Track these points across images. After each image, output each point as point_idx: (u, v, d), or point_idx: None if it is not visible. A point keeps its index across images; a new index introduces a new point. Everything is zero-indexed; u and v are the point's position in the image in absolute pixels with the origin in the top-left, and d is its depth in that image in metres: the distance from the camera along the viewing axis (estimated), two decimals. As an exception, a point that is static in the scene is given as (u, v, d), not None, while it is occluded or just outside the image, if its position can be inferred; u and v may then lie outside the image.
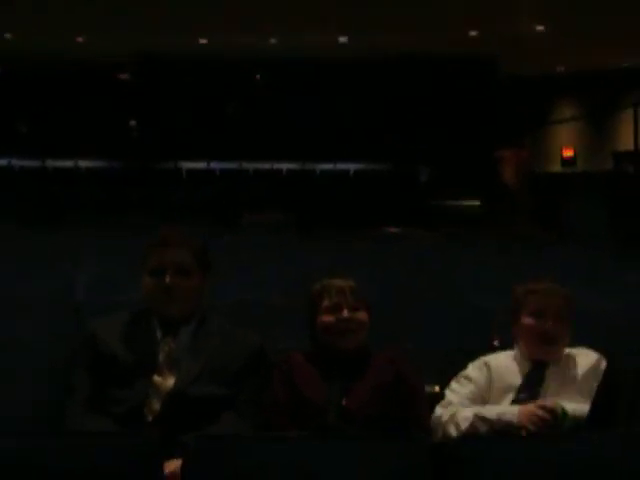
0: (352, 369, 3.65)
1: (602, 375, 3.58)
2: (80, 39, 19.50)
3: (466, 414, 3.57)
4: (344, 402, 3.54)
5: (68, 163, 22.56)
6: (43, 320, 5.37)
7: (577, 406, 3.49)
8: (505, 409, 3.58)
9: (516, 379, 3.73)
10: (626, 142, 21.40)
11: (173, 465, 3.03)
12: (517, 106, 22.88)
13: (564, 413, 3.43)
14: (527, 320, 3.78)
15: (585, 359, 3.74)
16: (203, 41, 19.89)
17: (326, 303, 3.73)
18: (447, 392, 3.76)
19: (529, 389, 3.64)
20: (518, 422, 3.46)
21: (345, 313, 3.69)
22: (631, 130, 20.92)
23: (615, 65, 21.00)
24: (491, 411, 3.57)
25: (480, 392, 3.69)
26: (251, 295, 6.41)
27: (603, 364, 3.72)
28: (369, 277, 6.65)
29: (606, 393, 3.46)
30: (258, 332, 3.71)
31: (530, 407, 3.49)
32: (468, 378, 3.77)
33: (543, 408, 3.45)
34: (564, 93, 23.73)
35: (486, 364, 3.81)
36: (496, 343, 4.07)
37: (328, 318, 3.70)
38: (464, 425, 3.53)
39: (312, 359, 3.71)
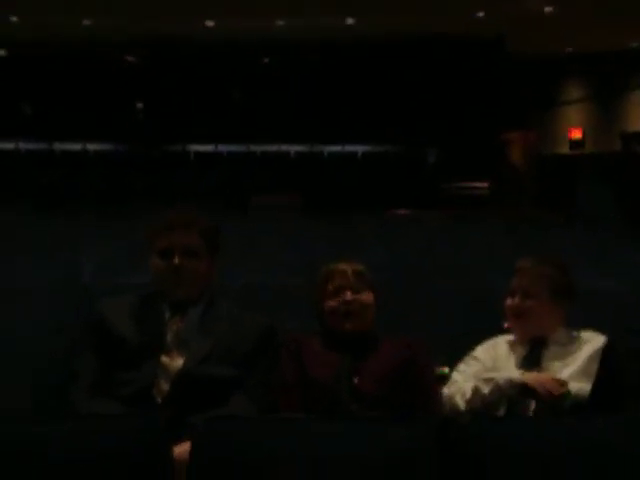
0: (361, 350, 3.66)
1: (602, 355, 3.57)
2: (87, 22, 19.47)
3: (471, 383, 3.59)
4: (356, 381, 3.55)
5: (76, 146, 22.55)
6: (48, 302, 5.36)
7: (581, 386, 3.50)
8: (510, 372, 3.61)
9: (517, 359, 3.74)
10: (634, 123, 21.36)
11: (182, 447, 3.03)
12: (525, 87, 22.82)
13: (568, 392, 3.43)
14: (506, 299, 3.82)
15: (591, 341, 3.73)
16: (210, 24, 19.84)
17: (329, 287, 3.76)
18: (454, 373, 3.79)
19: (528, 369, 3.64)
20: (522, 380, 3.47)
21: (348, 296, 3.71)
22: (639, 111, 20.88)
23: (623, 46, 20.93)
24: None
25: (486, 372, 3.70)
26: (259, 279, 6.40)
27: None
28: (377, 259, 6.65)
29: (607, 374, 3.46)
30: (267, 315, 3.71)
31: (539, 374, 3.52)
32: (475, 358, 3.80)
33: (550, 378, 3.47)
34: (572, 74, 23.65)
35: (493, 345, 3.84)
36: (505, 325, 4.07)
37: (332, 302, 3.73)
38: (469, 393, 3.55)
39: (320, 340, 3.72)
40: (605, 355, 3.54)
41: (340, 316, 3.70)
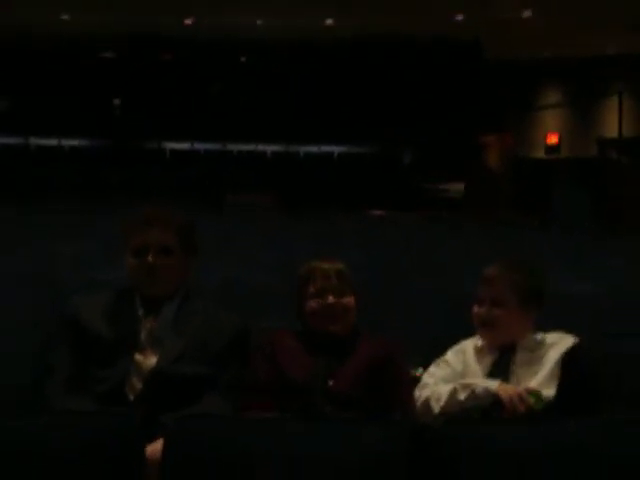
0: (339, 351, 3.64)
1: (565, 358, 3.56)
2: (65, 16, 19.39)
3: (447, 387, 3.58)
4: (331, 383, 3.53)
5: (51, 141, 22.48)
6: (23, 297, 5.33)
7: (548, 391, 3.50)
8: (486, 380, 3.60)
9: (486, 366, 3.74)
10: (610, 129, 21.47)
11: (155, 446, 3.01)
12: (502, 91, 22.89)
13: (540, 401, 3.43)
14: (474, 307, 3.81)
15: (559, 344, 3.73)
16: (188, 21, 19.81)
17: (311, 289, 3.72)
18: (424, 375, 3.78)
19: (497, 375, 3.63)
20: (496, 390, 3.46)
21: (330, 299, 3.68)
22: (616, 117, 21.00)
23: (601, 52, 21.04)
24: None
25: (455, 376, 3.70)
26: (235, 275, 6.39)
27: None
28: (354, 259, 6.63)
29: (571, 378, 3.45)
30: (243, 313, 3.70)
31: (513, 387, 3.50)
32: (446, 362, 3.80)
33: (523, 392, 3.45)
34: (549, 79, 23.75)
35: (462, 349, 3.83)
36: (479, 329, 4.06)
37: (314, 304, 3.70)
38: (445, 397, 3.54)
39: (298, 339, 3.70)
40: (569, 358, 3.52)
41: (321, 318, 3.67)
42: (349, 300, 3.72)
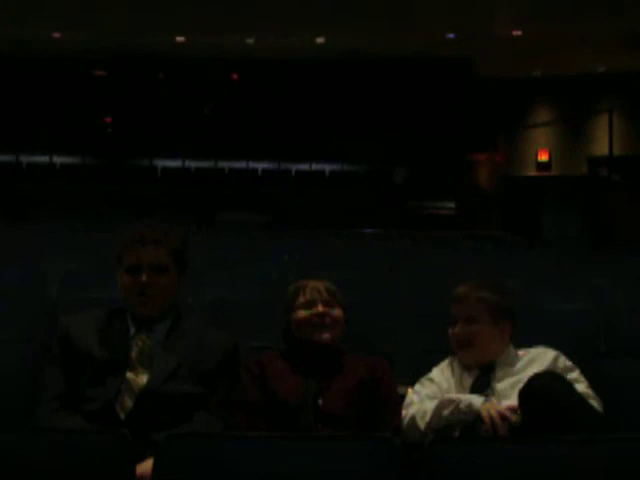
0: (326, 368, 3.66)
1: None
2: (57, 34, 19.40)
3: (432, 403, 3.61)
4: (320, 402, 3.55)
5: (42, 159, 22.43)
6: (14, 314, 5.33)
7: None
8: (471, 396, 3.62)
9: (468, 383, 3.76)
10: (601, 147, 21.53)
11: (145, 466, 3.01)
12: (493, 109, 22.93)
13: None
14: (449, 328, 3.84)
15: (540, 358, 3.76)
16: (180, 39, 19.84)
17: (301, 300, 3.77)
18: (410, 394, 3.81)
19: (479, 392, 3.65)
20: (478, 408, 3.48)
21: (320, 308, 3.73)
22: (606, 135, 21.06)
23: (591, 70, 21.12)
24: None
25: (441, 393, 3.72)
26: (226, 294, 6.38)
27: (561, 360, 3.74)
28: (344, 277, 6.65)
29: (530, 410, 3.43)
30: (233, 331, 3.70)
31: (496, 405, 3.51)
32: (430, 380, 3.84)
33: (506, 411, 3.47)
34: (540, 97, 23.80)
35: (447, 367, 3.87)
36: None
37: (302, 313, 3.74)
38: (430, 413, 3.57)
39: (286, 358, 3.72)
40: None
41: (310, 328, 3.70)
42: (338, 312, 3.76)
